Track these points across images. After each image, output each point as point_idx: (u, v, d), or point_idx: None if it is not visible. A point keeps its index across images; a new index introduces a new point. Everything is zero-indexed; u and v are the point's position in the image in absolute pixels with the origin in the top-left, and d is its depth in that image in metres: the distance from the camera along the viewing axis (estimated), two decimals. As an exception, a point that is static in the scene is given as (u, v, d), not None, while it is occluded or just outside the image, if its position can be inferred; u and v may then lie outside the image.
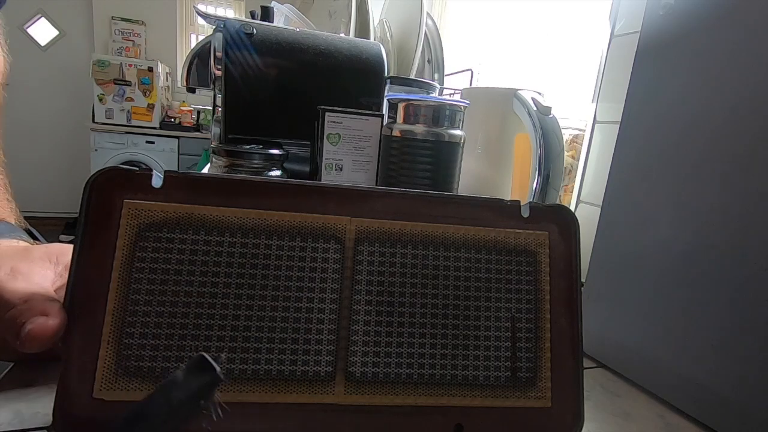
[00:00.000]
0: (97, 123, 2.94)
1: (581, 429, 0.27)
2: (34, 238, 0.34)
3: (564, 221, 0.29)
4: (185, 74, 0.76)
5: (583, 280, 0.47)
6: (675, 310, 0.37)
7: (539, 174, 0.56)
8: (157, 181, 0.24)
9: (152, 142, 3.02)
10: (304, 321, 0.24)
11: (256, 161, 0.56)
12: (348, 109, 0.54)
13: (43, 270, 0.27)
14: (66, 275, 0.28)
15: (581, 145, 0.66)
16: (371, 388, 0.25)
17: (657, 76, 0.41)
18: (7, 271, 0.26)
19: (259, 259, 0.25)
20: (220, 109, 0.63)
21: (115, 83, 2.94)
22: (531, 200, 0.30)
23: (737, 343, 0.33)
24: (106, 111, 2.96)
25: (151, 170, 0.24)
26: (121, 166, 0.24)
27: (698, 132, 0.37)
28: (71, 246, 0.29)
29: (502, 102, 0.62)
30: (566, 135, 0.69)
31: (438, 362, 0.26)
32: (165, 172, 0.24)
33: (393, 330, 0.25)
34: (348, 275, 0.26)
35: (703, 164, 0.36)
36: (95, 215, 0.23)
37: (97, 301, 0.23)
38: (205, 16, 0.65)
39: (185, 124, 3.17)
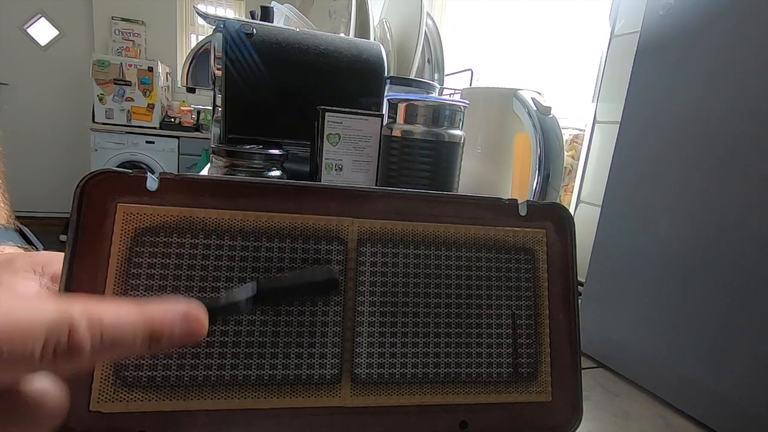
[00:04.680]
0: (97, 123, 2.94)
1: (580, 421, 0.27)
2: (28, 240, 0.33)
3: (560, 219, 0.29)
4: (185, 74, 0.76)
5: (582, 280, 0.47)
6: (675, 310, 0.37)
7: (539, 174, 0.56)
8: (152, 183, 0.23)
9: (152, 142, 3.02)
10: (308, 324, 0.24)
11: (256, 161, 0.56)
12: (348, 109, 0.54)
13: (26, 281, 0.25)
14: (53, 287, 0.26)
15: (581, 145, 0.66)
16: (377, 390, 0.25)
17: (657, 76, 0.41)
18: None
19: (260, 262, 0.24)
20: (219, 109, 0.63)
21: (115, 83, 2.94)
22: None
23: (737, 343, 0.33)
24: (106, 111, 2.95)
25: (145, 172, 0.23)
26: (114, 168, 0.23)
27: (698, 132, 0.37)
28: (58, 254, 0.28)
29: (502, 102, 0.62)
30: (566, 135, 0.69)
31: (442, 361, 0.26)
32: (160, 174, 0.24)
33: (397, 330, 0.26)
34: (351, 276, 0.26)
35: (703, 164, 0.36)
36: (87, 220, 0.22)
37: None
38: (205, 16, 0.65)
39: (185, 124, 3.16)
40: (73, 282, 0.22)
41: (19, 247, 0.31)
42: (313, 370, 0.24)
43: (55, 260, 0.27)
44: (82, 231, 0.22)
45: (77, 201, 0.22)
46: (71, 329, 0.13)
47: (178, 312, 0.16)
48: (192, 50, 0.80)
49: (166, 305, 0.16)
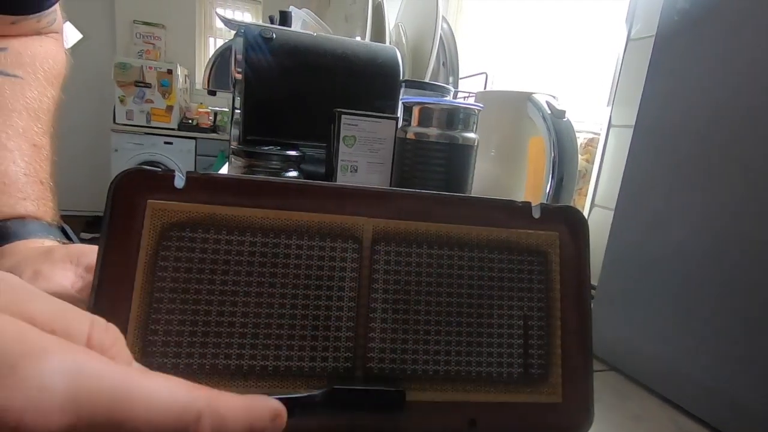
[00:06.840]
0: (117, 124, 3.01)
1: (591, 424, 0.27)
2: (67, 236, 0.36)
3: (573, 222, 0.29)
4: (206, 77, 0.78)
5: (595, 283, 0.47)
6: (687, 314, 0.37)
7: (553, 177, 0.56)
8: (179, 181, 0.25)
9: (170, 143, 3.07)
10: (323, 319, 0.25)
11: (273, 162, 0.57)
12: (363, 112, 0.55)
13: (63, 271, 0.28)
14: (86, 276, 0.29)
15: (596, 148, 0.66)
16: (388, 385, 0.25)
17: (672, 80, 0.41)
18: (30, 274, 0.27)
19: (279, 258, 0.25)
20: (238, 111, 0.65)
21: (136, 85, 3.00)
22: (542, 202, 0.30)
23: (750, 347, 0.32)
24: (126, 112, 3.02)
25: (173, 171, 0.25)
26: (145, 167, 0.25)
27: (713, 136, 0.37)
28: (92, 247, 0.30)
29: (517, 105, 0.62)
30: (581, 138, 0.69)
31: (453, 359, 0.26)
32: (187, 173, 0.25)
33: (409, 327, 0.26)
34: (365, 274, 0.26)
35: (717, 168, 0.36)
36: (119, 216, 0.24)
37: (121, 301, 0.23)
38: (227, 22, 0.67)
39: (202, 126, 3.21)
40: (105, 272, 0.23)
41: (58, 241, 0.33)
42: (327, 363, 0.25)
43: (89, 252, 0.30)
44: (114, 225, 0.24)
45: (111, 197, 0.24)
46: (198, 421, 0.13)
47: (270, 410, 0.15)
48: (213, 54, 0.82)
49: (257, 402, 0.15)
